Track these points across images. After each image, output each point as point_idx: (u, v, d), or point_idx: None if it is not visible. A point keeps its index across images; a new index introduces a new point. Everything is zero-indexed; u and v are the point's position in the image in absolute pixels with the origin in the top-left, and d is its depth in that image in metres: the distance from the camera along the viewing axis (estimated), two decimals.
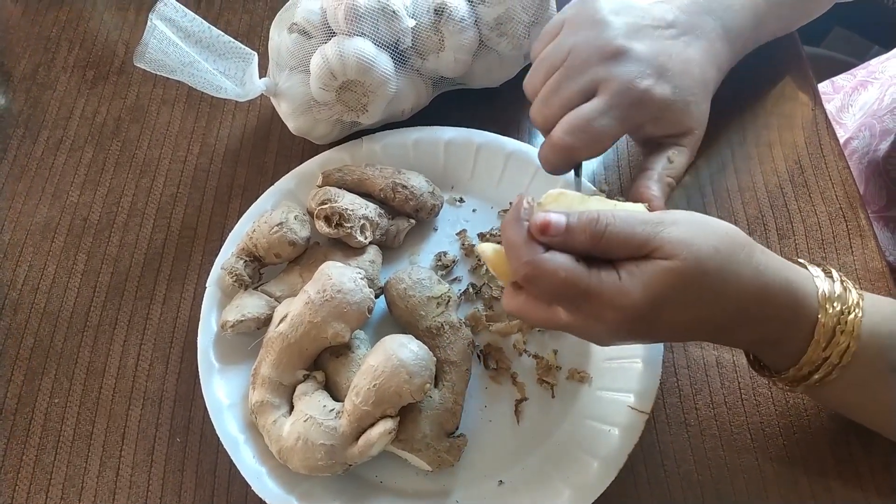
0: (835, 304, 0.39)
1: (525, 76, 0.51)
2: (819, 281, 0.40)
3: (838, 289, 0.40)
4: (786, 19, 0.59)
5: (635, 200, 0.47)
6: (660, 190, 0.48)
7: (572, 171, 0.51)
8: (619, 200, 0.43)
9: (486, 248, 0.42)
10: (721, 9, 0.52)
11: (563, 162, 0.48)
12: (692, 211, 0.39)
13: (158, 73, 0.51)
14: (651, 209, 0.44)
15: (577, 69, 0.47)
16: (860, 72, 0.81)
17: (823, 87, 0.84)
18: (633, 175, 0.53)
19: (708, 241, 0.37)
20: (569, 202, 0.41)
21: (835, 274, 0.41)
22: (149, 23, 0.50)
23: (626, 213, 0.38)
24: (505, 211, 0.58)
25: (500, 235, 0.56)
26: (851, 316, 0.39)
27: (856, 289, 0.41)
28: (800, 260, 0.42)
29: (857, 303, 0.40)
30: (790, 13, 0.59)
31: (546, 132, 0.49)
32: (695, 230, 0.37)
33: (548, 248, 0.38)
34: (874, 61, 0.81)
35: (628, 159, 0.61)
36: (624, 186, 0.60)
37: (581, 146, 0.46)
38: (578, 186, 0.52)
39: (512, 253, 0.39)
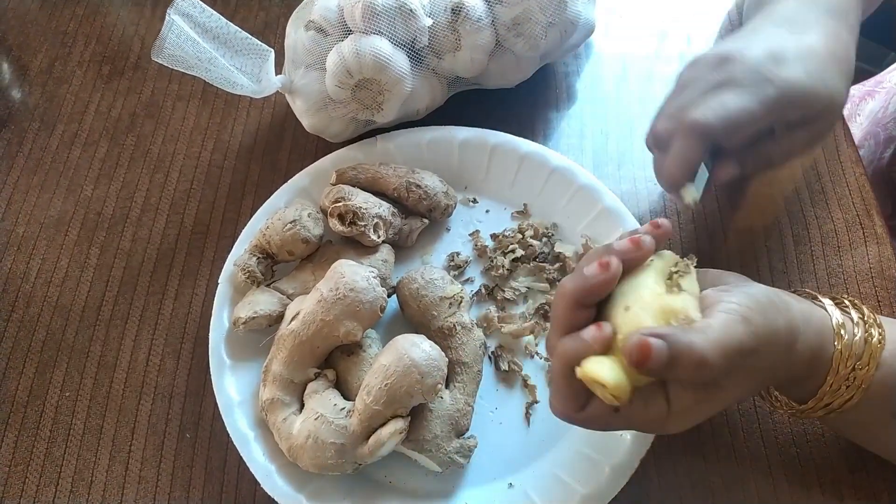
0: (848, 363, 0.38)
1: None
2: (838, 338, 0.39)
3: (858, 339, 0.39)
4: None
5: (718, 177, 0.44)
6: (735, 168, 0.45)
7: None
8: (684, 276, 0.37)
9: (612, 380, 0.34)
10: (816, 1, 0.48)
11: (695, 149, 0.42)
12: (763, 294, 0.37)
13: (175, 68, 0.51)
14: (720, 178, 0.43)
15: (691, 82, 0.45)
16: (868, 82, 0.81)
17: None
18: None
19: (770, 362, 0.36)
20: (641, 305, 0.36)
21: (855, 315, 0.40)
22: (167, 18, 0.50)
23: (727, 342, 0.33)
24: (519, 212, 0.58)
25: (511, 238, 0.56)
26: (863, 371, 0.38)
27: (879, 331, 0.39)
28: (822, 299, 0.41)
29: (875, 354, 0.38)
30: None
31: (666, 144, 0.44)
32: (765, 355, 0.35)
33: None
34: (884, 72, 0.81)
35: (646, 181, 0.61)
36: (653, 210, 0.59)
37: (717, 123, 0.42)
38: (702, 185, 0.45)
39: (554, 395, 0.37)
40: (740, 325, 0.34)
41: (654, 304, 0.35)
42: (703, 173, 0.44)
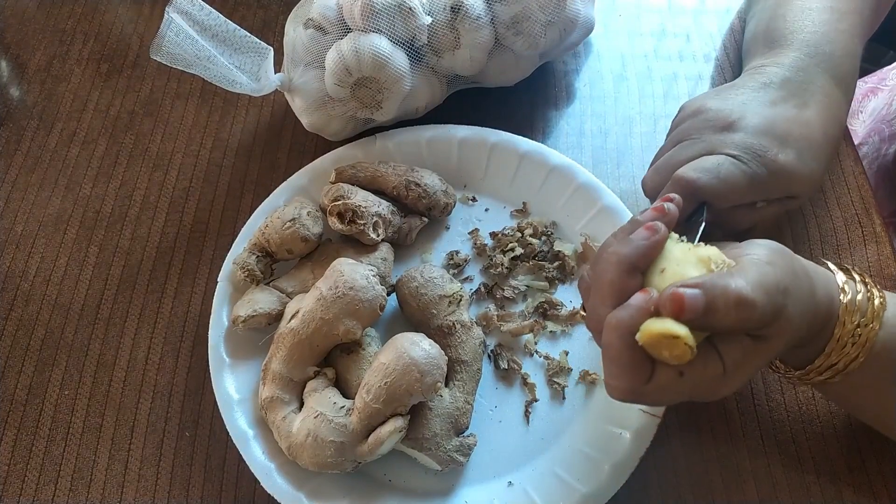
0: (853, 318, 0.39)
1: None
2: (843, 294, 0.40)
3: (861, 298, 0.39)
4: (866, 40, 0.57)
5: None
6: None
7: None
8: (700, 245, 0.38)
9: (681, 331, 0.33)
10: (827, 60, 0.50)
11: (681, 193, 0.43)
12: (774, 252, 0.37)
13: (174, 66, 0.51)
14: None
15: (691, 137, 0.47)
16: (871, 79, 0.81)
17: None
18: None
19: (800, 307, 0.36)
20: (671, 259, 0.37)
21: (858, 283, 0.41)
22: (165, 16, 0.50)
23: (766, 281, 0.34)
24: (518, 211, 0.58)
25: (510, 236, 0.56)
26: (868, 328, 0.39)
27: (879, 294, 0.40)
28: (829, 265, 0.42)
29: (878, 313, 0.39)
30: (870, 31, 0.57)
31: (654, 198, 0.47)
32: (797, 298, 0.36)
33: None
34: (886, 68, 0.81)
35: None
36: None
37: (706, 183, 0.44)
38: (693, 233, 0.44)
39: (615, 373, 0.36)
40: (769, 266, 0.35)
41: (688, 257, 0.36)
42: (699, 224, 0.44)
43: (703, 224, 0.44)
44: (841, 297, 0.39)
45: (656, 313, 0.34)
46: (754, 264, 0.35)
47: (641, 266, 0.37)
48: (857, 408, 0.46)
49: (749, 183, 0.45)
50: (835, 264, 0.42)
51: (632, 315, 0.34)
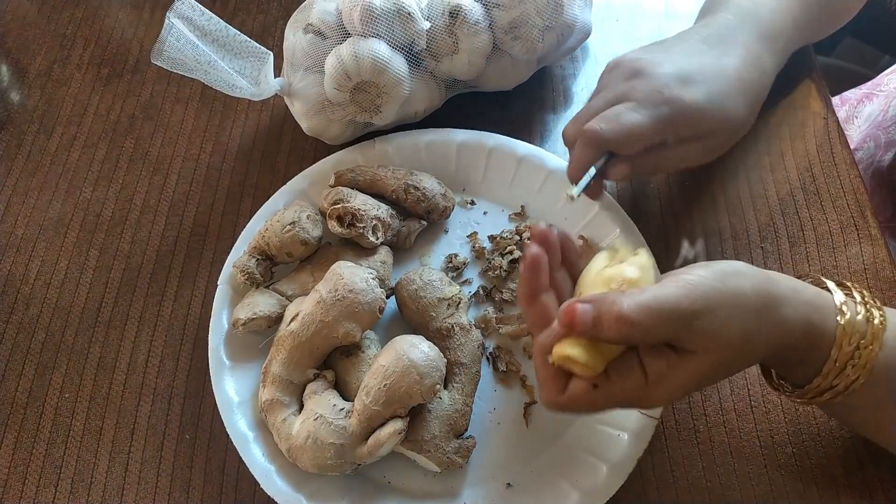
0: (851, 340, 0.39)
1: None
2: (840, 315, 0.39)
3: (860, 319, 0.39)
4: (822, 22, 0.60)
5: (610, 176, 0.49)
6: (625, 168, 0.48)
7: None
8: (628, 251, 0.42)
9: (575, 352, 0.37)
10: (753, 18, 0.52)
11: (590, 156, 0.48)
12: (719, 266, 0.38)
13: (175, 70, 0.51)
14: (611, 176, 0.48)
15: (605, 89, 0.50)
16: (866, 84, 0.81)
17: (833, 99, 0.84)
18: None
19: (738, 323, 0.36)
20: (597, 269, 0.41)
21: (857, 297, 0.40)
22: (166, 21, 0.50)
23: (654, 302, 0.35)
24: (516, 214, 0.58)
25: (509, 240, 0.56)
26: (867, 350, 0.38)
27: (880, 313, 0.40)
28: (827, 283, 0.41)
29: (878, 334, 0.39)
30: (826, 16, 0.59)
31: (572, 145, 0.50)
32: (726, 314, 0.36)
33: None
34: (881, 74, 0.81)
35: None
36: (659, 184, 0.60)
37: (610, 134, 0.46)
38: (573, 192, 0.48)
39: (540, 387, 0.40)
40: (679, 288, 0.36)
41: (597, 280, 0.40)
42: (587, 173, 0.48)
43: (592, 174, 0.48)
44: (838, 319, 0.39)
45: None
46: (661, 286, 0.36)
47: (537, 292, 0.40)
48: (858, 426, 0.45)
49: (652, 125, 0.46)
50: (834, 282, 0.42)
51: (549, 336, 0.38)
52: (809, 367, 0.40)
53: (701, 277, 0.37)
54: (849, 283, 0.42)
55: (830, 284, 0.41)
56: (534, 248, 0.40)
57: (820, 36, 0.62)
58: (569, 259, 0.43)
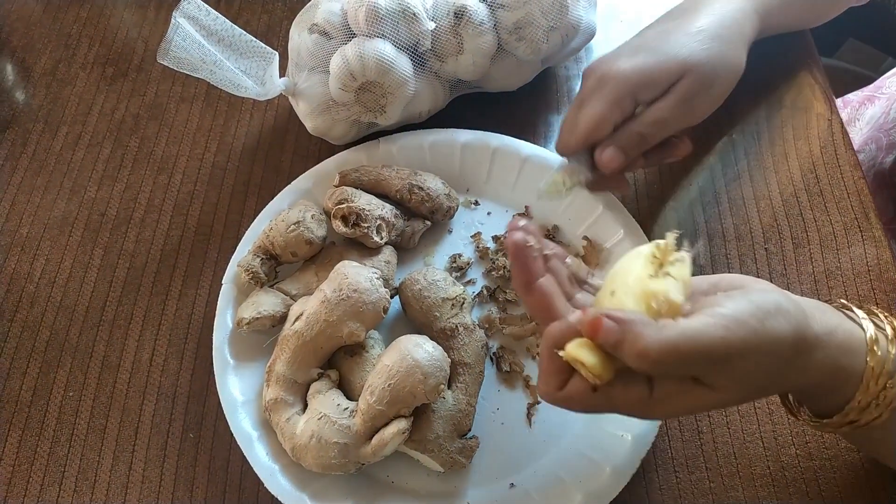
0: (878, 381, 0.37)
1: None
2: (871, 355, 0.37)
3: (891, 357, 0.37)
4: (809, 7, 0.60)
5: (603, 166, 0.49)
6: (613, 141, 0.49)
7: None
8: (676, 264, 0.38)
9: (589, 360, 0.35)
10: None
11: (569, 151, 0.51)
12: (757, 294, 0.35)
13: (181, 70, 0.51)
14: (603, 165, 0.48)
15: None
16: (869, 87, 0.81)
17: (836, 102, 0.84)
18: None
19: (767, 368, 0.34)
20: (623, 281, 0.37)
21: (887, 328, 0.39)
22: (172, 21, 0.50)
23: (683, 342, 0.33)
24: (521, 214, 0.58)
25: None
26: (894, 390, 0.37)
27: None
28: (854, 311, 0.40)
29: None
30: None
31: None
32: (756, 361, 0.34)
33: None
34: (883, 77, 0.81)
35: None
36: (664, 185, 0.60)
37: (573, 140, 0.49)
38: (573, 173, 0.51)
39: (539, 375, 0.39)
40: (715, 328, 0.33)
41: (636, 288, 0.36)
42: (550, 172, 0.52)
43: (556, 167, 0.52)
44: (868, 360, 0.37)
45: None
46: (696, 324, 0.34)
47: (531, 279, 0.39)
48: (874, 452, 0.45)
49: (607, 105, 0.48)
50: (866, 313, 0.39)
51: (561, 330, 0.36)
52: (830, 402, 0.39)
53: (740, 317, 0.34)
54: (879, 312, 0.40)
55: (860, 315, 0.39)
56: (516, 235, 0.39)
57: (808, 12, 0.61)
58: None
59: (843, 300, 0.41)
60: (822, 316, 0.37)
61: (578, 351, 0.35)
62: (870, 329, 0.38)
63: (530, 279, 0.39)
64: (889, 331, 0.38)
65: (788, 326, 0.35)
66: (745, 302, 0.35)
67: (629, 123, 0.49)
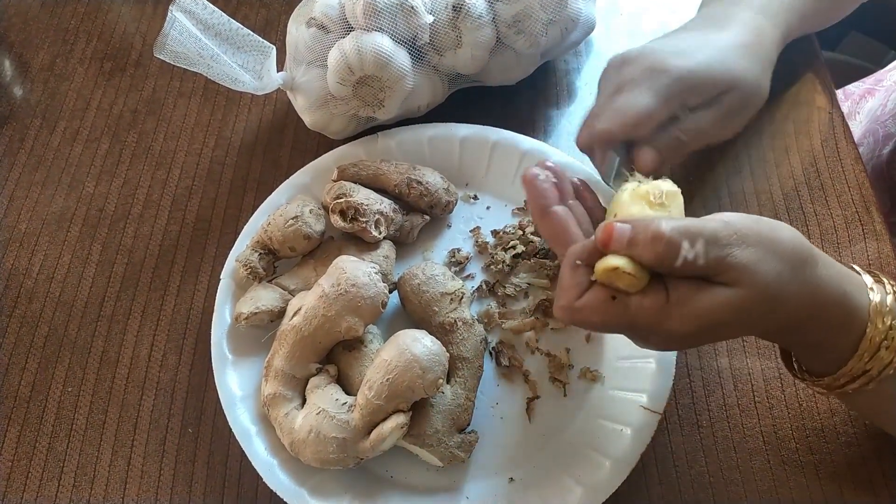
0: (885, 319, 0.38)
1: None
2: (872, 293, 0.39)
3: (891, 301, 0.39)
4: (824, 4, 0.59)
5: (640, 166, 0.47)
6: (654, 143, 0.48)
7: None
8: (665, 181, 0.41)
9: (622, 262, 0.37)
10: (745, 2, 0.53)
11: (607, 154, 0.49)
12: (756, 216, 0.37)
13: (177, 64, 0.51)
14: (640, 164, 0.46)
15: (602, 87, 0.50)
16: (869, 79, 0.81)
17: (836, 93, 0.83)
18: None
19: (773, 264, 0.35)
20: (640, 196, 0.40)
21: (887, 284, 0.40)
22: (169, 14, 0.50)
23: (692, 225, 0.35)
24: (520, 209, 0.58)
25: (512, 234, 0.56)
26: None
27: None
28: (854, 267, 0.41)
29: None
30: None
31: (588, 150, 0.50)
32: (762, 253, 0.35)
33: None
34: (883, 70, 0.81)
35: None
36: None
37: (616, 128, 0.47)
38: (612, 172, 0.52)
39: (557, 293, 0.39)
40: (717, 222, 0.35)
41: (632, 197, 0.39)
42: (611, 163, 0.51)
43: (616, 162, 0.50)
44: (870, 296, 0.38)
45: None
46: (700, 219, 0.36)
47: (547, 204, 0.41)
48: (886, 418, 0.44)
49: (655, 101, 0.46)
50: (863, 269, 0.41)
51: (584, 247, 0.38)
52: (838, 351, 0.39)
53: (739, 217, 0.36)
54: (875, 272, 0.41)
55: (857, 268, 0.41)
56: (532, 170, 0.40)
57: (823, 21, 0.61)
58: (587, 203, 0.44)
59: (854, 266, 0.42)
60: (823, 253, 0.39)
61: (610, 260, 0.36)
62: (875, 298, 0.39)
63: (546, 204, 0.40)
64: (886, 281, 0.40)
65: (788, 233, 0.37)
66: (744, 215, 0.37)
67: (669, 125, 0.48)
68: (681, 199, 0.40)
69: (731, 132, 0.51)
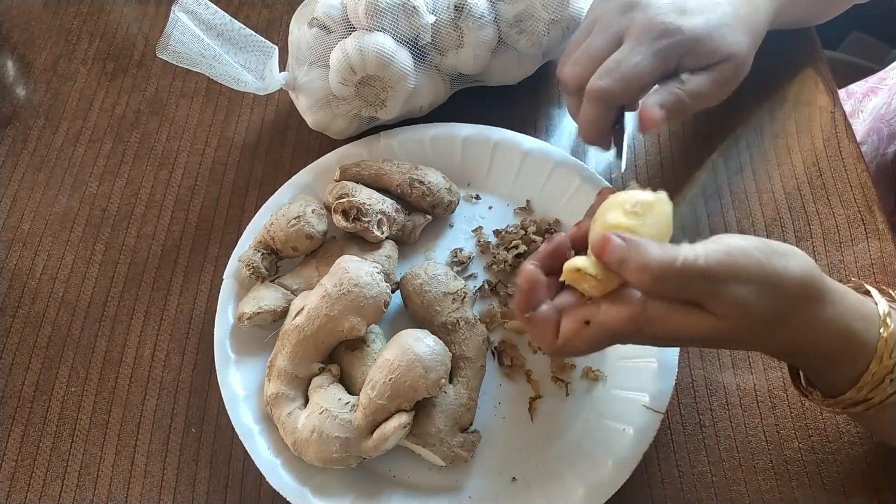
0: (892, 354, 0.37)
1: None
2: (884, 327, 0.37)
3: None
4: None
5: (646, 123, 0.46)
6: (660, 100, 0.47)
7: (614, 153, 0.51)
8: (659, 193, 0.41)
9: (587, 264, 0.38)
10: None
11: (601, 114, 0.47)
12: (769, 241, 0.36)
13: (180, 64, 0.51)
14: (646, 120, 0.46)
15: (603, 26, 0.48)
16: (871, 78, 0.81)
17: (839, 92, 0.83)
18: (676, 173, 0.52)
19: (770, 302, 0.34)
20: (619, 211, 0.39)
21: None
22: (171, 15, 0.50)
23: (683, 262, 0.34)
24: (521, 209, 0.58)
25: (514, 234, 0.56)
26: None
27: None
28: (868, 288, 0.40)
29: None
30: None
31: (575, 90, 0.49)
32: (760, 290, 0.34)
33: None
34: (887, 68, 0.81)
35: (671, 153, 0.61)
36: (666, 180, 0.59)
37: (616, 87, 0.46)
38: (620, 167, 0.51)
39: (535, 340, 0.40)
40: (718, 254, 0.34)
41: (611, 202, 0.39)
42: (625, 145, 0.51)
43: (625, 134, 0.50)
44: (882, 332, 0.37)
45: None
46: (697, 247, 0.35)
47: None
48: (887, 437, 0.44)
49: (654, 63, 0.46)
50: (878, 290, 0.40)
51: (543, 251, 0.40)
52: (842, 373, 0.38)
53: (747, 248, 0.35)
54: (890, 291, 0.40)
55: (874, 292, 0.40)
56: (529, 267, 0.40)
57: (813, 14, 0.61)
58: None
59: (855, 280, 0.41)
60: (836, 284, 0.38)
61: (576, 262, 0.37)
62: (883, 304, 0.38)
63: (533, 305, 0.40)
64: None
65: (798, 268, 0.35)
66: (755, 239, 0.35)
67: (671, 85, 0.47)
68: (663, 207, 0.39)
69: (715, 102, 0.50)
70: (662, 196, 0.39)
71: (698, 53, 0.47)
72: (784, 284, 0.35)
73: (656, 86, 0.48)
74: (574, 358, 0.52)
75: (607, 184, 0.55)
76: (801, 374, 0.42)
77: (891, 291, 0.40)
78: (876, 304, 0.38)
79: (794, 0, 0.56)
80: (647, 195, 0.39)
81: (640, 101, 0.47)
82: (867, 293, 0.40)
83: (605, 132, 0.49)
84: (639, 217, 0.38)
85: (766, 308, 0.34)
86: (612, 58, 0.46)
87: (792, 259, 0.35)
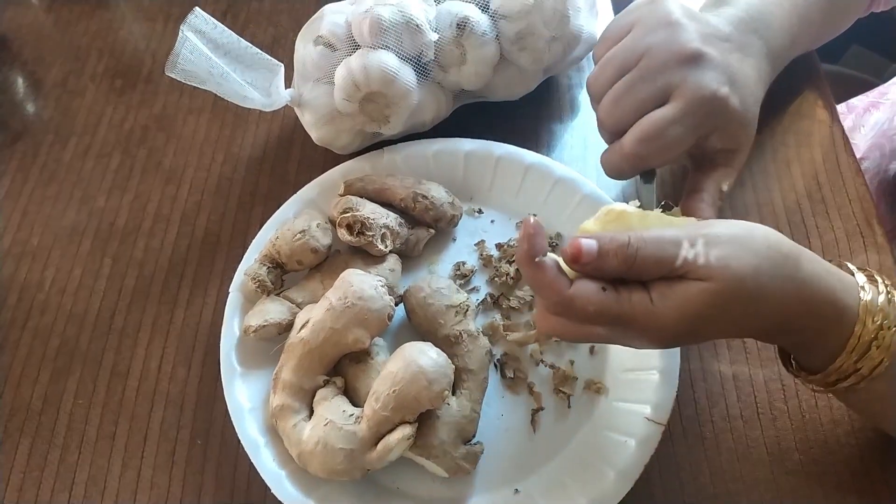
0: (875, 318, 0.38)
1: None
2: (863, 292, 0.39)
3: (882, 300, 0.39)
4: (815, 37, 0.60)
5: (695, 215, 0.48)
6: (713, 214, 0.48)
7: (637, 178, 0.52)
8: (675, 214, 0.43)
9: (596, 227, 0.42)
10: (764, 28, 0.51)
11: (630, 170, 0.49)
12: (735, 220, 0.39)
13: (188, 82, 0.52)
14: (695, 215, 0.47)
15: (653, 71, 0.46)
16: (872, 93, 0.82)
17: (839, 107, 0.84)
18: (684, 189, 0.52)
19: (747, 260, 0.36)
20: (626, 221, 0.41)
21: (881, 283, 0.40)
22: (180, 34, 0.51)
23: (657, 235, 0.37)
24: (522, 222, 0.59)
25: (515, 247, 0.57)
26: (891, 331, 0.38)
27: None
28: (847, 265, 0.41)
29: None
30: (819, 31, 0.59)
31: (613, 134, 0.48)
32: (733, 249, 0.36)
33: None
34: (887, 83, 0.82)
35: (671, 167, 0.62)
36: (666, 193, 0.60)
37: (653, 155, 0.46)
38: (650, 194, 0.51)
39: (538, 292, 0.40)
40: (685, 227, 0.37)
41: (591, 219, 0.42)
42: (649, 191, 0.51)
43: (654, 191, 0.50)
44: (861, 296, 0.39)
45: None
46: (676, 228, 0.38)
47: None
48: (880, 417, 0.45)
49: (696, 135, 0.47)
50: (857, 267, 0.41)
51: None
52: (831, 343, 0.39)
53: (717, 223, 0.38)
54: (870, 270, 0.41)
55: (851, 266, 0.41)
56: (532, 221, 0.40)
57: (810, 48, 0.63)
58: None
59: (839, 259, 0.43)
60: (811, 253, 0.40)
61: (587, 224, 0.42)
62: (866, 297, 0.39)
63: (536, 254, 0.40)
64: (881, 283, 0.40)
65: (763, 232, 0.38)
66: (723, 221, 0.39)
67: (710, 176, 0.50)
68: (635, 218, 0.42)
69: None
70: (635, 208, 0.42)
71: (726, 135, 0.48)
72: (755, 243, 0.37)
73: (705, 192, 0.50)
74: (576, 370, 0.52)
75: (609, 199, 0.56)
76: (792, 358, 0.44)
77: (872, 271, 0.41)
78: (853, 273, 0.41)
79: (803, 39, 0.56)
80: (620, 205, 0.41)
81: (694, 210, 0.49)
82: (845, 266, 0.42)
83: (627, 178, 0.52)
84: (608, 224, 0.41)
85: (745, 265, 0.36)
86: (655, 120, 0.45)
87: (754, 227, 0.38)
